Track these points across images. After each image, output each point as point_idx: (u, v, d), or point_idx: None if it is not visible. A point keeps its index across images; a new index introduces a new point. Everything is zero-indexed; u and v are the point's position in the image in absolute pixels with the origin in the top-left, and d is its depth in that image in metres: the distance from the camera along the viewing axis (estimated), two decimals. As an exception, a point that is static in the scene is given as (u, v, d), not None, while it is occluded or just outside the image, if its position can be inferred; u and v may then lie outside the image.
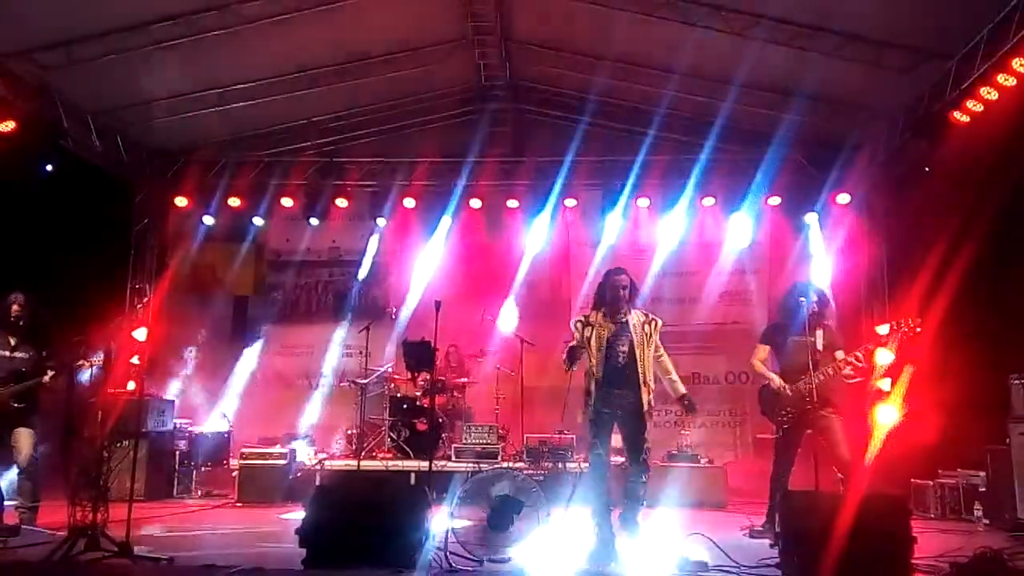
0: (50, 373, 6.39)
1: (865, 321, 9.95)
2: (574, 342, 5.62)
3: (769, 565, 5.05)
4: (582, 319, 5.75)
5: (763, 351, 6.62)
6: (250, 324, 11.88)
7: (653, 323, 5.72)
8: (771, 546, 5.45)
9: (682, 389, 5.82)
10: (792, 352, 6.35)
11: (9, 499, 6.45)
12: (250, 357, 11.62)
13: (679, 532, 5.97)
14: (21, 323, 6.53)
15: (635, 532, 5.55)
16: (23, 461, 6.39)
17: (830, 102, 9.64)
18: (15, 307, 6.52)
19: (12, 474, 6.56)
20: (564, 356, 5.58)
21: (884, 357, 8.36)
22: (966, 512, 7.69)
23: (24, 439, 6.41)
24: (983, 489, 7.59)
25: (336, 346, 11.58)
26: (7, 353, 6.49)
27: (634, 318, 5.67)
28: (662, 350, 5.79)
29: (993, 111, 7.56)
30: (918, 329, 6.23)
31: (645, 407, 5.55)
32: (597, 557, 5.20)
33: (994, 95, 7.48)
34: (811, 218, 10.63)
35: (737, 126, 10.55)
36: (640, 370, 5.55)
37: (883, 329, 6.46)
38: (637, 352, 5.56)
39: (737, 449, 10.66)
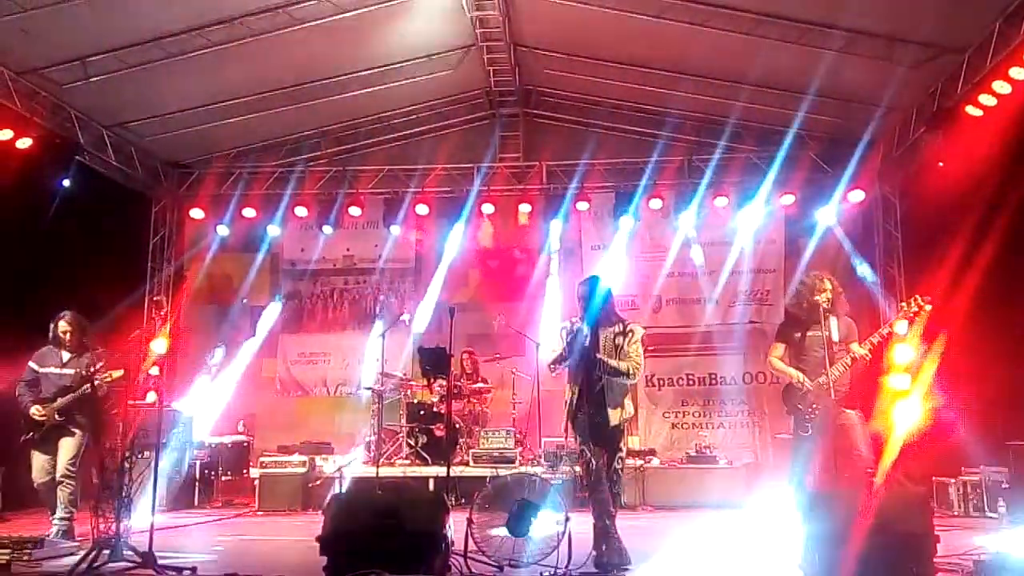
0: (87, 387, 6.47)
1: (881, 318, 9.89)
2: (559, 350, 5.58)
3: (790, 566, 5.01)
4: (567, 324, 5.67)
5: (780, 348, 6.55)
6: (267, 333, 11.93)
7: (629, 334, 5.52)
8: (792, 548, 5.41)
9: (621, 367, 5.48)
10: (808, 347, 6.29)
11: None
12: (268, 366, 11.68)
13: (698, 534, 5.95)
14: (70, 340, 6.64)
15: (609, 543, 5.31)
16: (57, 472, 6.48)
17: (842, 99, 9.59)
18: (63, 324, 6.63)
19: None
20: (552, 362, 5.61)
21: (904, 354, 8.30)
22: (989, 509, 7.62)
23: (61, 451, 6.51)
24: (1006, 486, 7.51)
25: (352, 354, 11.63)
26: (58, 370, 6.61)
27: (606, 331, 5.50)
28: (631, 356, 5.48)
29: (1007, 104, 7.52)
30: (928, 307, 6.16)
31: (614, 423, 5.39)
32: (609, 561, 5.18)
33: (1007, 88, 7.43)
34: (825, 215, 10.57)
35: (749, 125, 10.54)
36: (606, 385, 5.37)
37: (901, 327, 6.37)
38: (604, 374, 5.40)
39: (756, 450, 10.61)
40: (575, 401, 5.43)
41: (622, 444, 5.54)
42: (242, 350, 11.46)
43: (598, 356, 5.38)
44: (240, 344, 11.58)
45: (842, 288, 6.47)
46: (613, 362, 5.41)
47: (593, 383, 5.36)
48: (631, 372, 5.46)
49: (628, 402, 5.58)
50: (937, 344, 7.71)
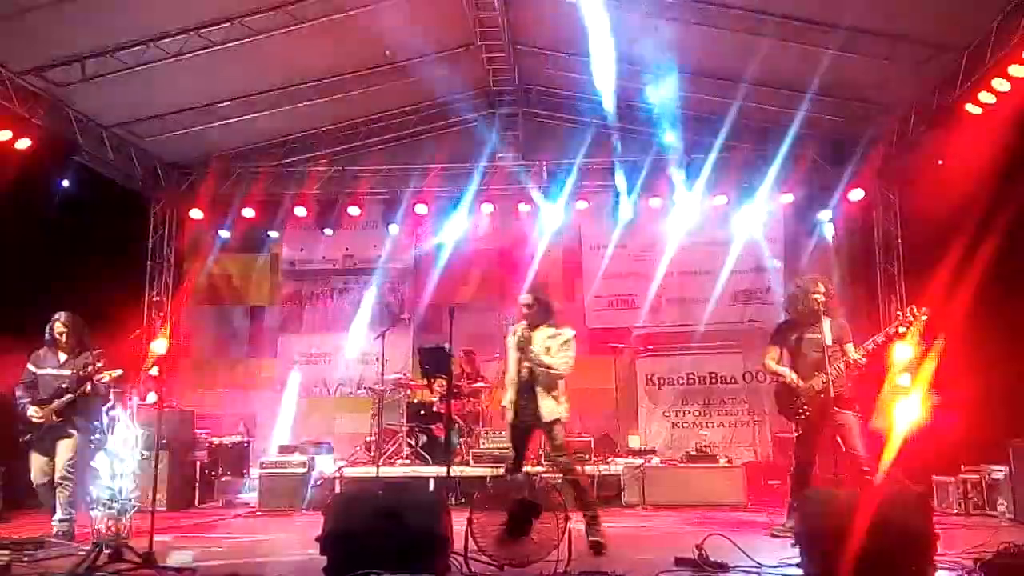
0: (84, 388, 6.48)
1: (882, 316, 9.90)
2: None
3: (790, 564, 5.01)
4: (514, 326, 6.21)
5: (774, 352, 6.58)
6: (267, 334, 11.96)
7: (558, 336, 6.00)
8: (792, 545, 5.41)
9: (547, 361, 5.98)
10: (803, 350, 6.31)
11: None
12: (268, 367, 11.72)
13: (699, 532, 5.95)
14: (66, 340, 6.64)
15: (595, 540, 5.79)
16: (55, 472, 6.48)
17: (842, 97, 9.60)
18: (58, 325, 6.65)
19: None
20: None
21: (903, 353, 8.29)
22: (989, 507, 7.61)
23: (59, 452, 6.51)
24: (1007, 483, 7.50)
25: (352, 353, 11.63)
26: (55, 371, 6.63)
27: (540, 334, 6.01)
28: (557, 355, 5.96)
29: (1006, 102, 7.52)
30: (924, 317, 6.17)
31: (547, 418, 5.90)
32: None
33: (1006, 86, 7.43)
34: (824, 214, 10.57)
35: (748, 124, 10.52)
36: (537, 384, 5.93)
37: (895, 323, 6.38)
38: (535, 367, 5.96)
39: (757, 448, 10.60)
40: (515, 397, 6.05)
41: (556, 435, 5.96)
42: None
43: (531, 351, 5.92)
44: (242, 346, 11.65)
45: (836, 291, 6.52)
46: (545, 358, 5.93)
47: (527, 377, 5.97)
48: (556, 366, 5.94)
49: (561, 397, 6.01)
50: (937, 342, 7.71)
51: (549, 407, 5.91)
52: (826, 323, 6.19)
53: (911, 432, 7.71)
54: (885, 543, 4.33)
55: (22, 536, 6.05)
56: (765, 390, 10.60)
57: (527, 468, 8.83)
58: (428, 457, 9.37)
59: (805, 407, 6.24)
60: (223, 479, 9.68)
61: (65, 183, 9.01)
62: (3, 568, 5.16)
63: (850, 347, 6.25)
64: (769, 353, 6.60)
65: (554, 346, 5.96)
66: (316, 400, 11.67)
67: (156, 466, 6.03)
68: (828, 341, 6.14)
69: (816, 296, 6.25)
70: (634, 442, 10.39)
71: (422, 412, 9.73)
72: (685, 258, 11.18)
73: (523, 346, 5.96)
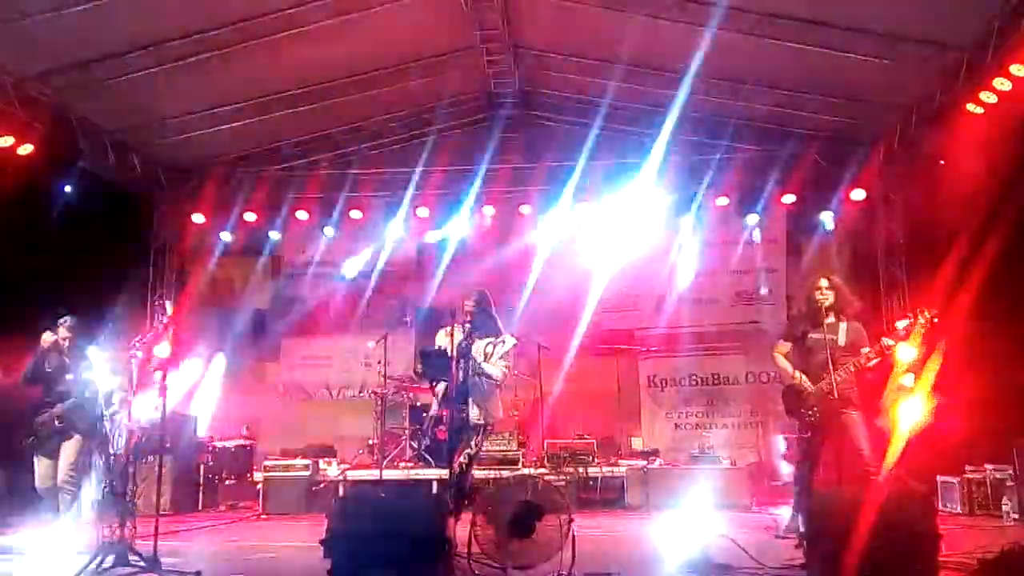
0: (87, 392, 6.50)
1: (885, 316, 9.88)
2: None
3: (794, 566, 5.01)
4: (448, 328, 6.19)
5: (785, 346, 6.56)
6: (268, 337, 11.96)
7: (500, 344, 6.12)
8: (796, 547, 5.41)
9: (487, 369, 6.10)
10: (813, 349, 6.29)
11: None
12: (271, 370, 11.73)
13: (703, 534, 5.95)
14: (69, 345, 6.66)
15: None
16: (59, 476, 6.50)
17: (843, 97, 9.59)
18: (62, 330, 6.66)
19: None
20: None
21: (906, 353, 8.27)
22: (994, 507, 7.60)
23: (62, 456, 6.53)
24: (1011, 484, 7.48)
25: (354, 357, 11.63)
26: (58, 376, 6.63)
27: (480, 342, 6.11)
28: (495, 363, 6.10)
29: (1007, 102, 7.51)
30: (935, 320, 6.15)
31: (473, 421, 6.03)
32: None
33: (1007, 85, 7.43)
34: (826, 214, 10.56)
35: (750, 125, 10.53)
36: (470, 391, 6.04)
37: (902, 324, 6.36)
38: (470, 372, 6.07)
39: (760, 450, 10.59)
40: (442, 398, 6.18)
41: (475, 442, 6.09)
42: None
43: (472, 356, 6.00)
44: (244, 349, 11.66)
45: (845, 286, 6.47)
46: (484, 365, 6.04)
47: (460, 382, 6.03)
48: (494, 375, 6.08)
49: (494, 406, 6.18)
50: (941, 342, 7.70)
51: (474, 415, 6.03)
52: (842, 326, 6.19)
53: (915, 432, 7.70)
54: (889, 544, 4.32)
55: (26, 540, 6.05)
56: (768, 391, 10.61)
57: (528, 470, 8.89)
58: (431, 459, 9.36)
59: (812, 408, 6.21)
60: (226, 482, 9.70)
61: (68, 188, 9.03)
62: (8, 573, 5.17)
63: (865, 349, 6.22)
64: (778, 346, 6.60)
65: (494, 353, 6.07)
66: (319, 403, 11.67)
67: (160, 470, 6.04)
68: (842, 343, 6.14)
69: (819, 296, 6.25)
70: (637, 444, 10.40)
71: (424, 415, 9.73)
72: (687, 259, 11.16)
73: (463, 354, 6.02)
